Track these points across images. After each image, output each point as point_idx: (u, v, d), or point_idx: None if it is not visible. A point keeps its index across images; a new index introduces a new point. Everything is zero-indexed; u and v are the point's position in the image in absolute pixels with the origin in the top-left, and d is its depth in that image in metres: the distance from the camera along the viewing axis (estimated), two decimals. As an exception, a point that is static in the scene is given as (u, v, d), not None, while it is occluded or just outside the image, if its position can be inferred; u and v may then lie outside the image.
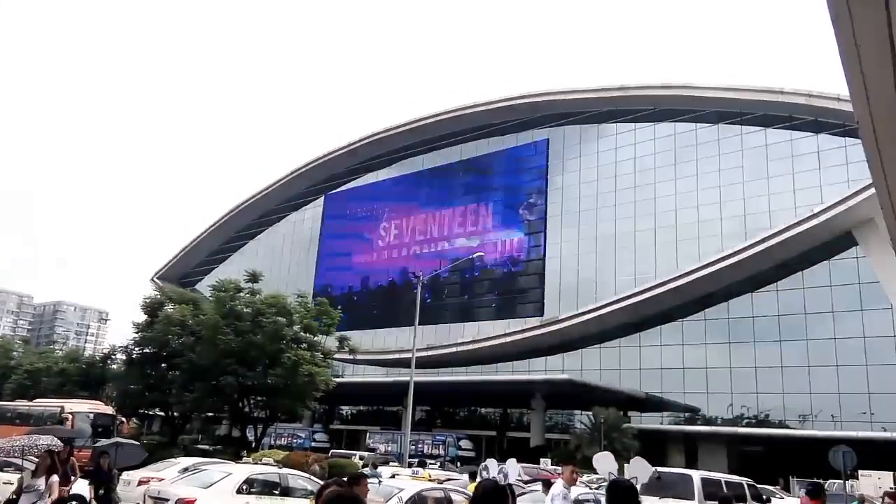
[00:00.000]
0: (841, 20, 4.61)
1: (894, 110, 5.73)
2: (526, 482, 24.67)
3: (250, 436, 36.24)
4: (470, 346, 56.63)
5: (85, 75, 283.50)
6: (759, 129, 49.97)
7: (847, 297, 43.99)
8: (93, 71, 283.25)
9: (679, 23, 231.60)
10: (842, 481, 25.96)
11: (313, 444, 51.92)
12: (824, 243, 45.00)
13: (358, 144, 73.61)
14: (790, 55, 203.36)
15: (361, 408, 66.08)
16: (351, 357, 40.75)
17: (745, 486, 20.43)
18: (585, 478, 24.46)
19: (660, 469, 21.18)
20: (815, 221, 43.57)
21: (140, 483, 17.21)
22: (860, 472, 34.59)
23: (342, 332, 37.23)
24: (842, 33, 4.77)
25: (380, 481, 14.35)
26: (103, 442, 20.57)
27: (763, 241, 45.12)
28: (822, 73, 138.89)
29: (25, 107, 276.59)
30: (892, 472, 34.41)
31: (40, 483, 10.62)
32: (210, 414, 36.90)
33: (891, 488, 33.14)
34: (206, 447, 36.04)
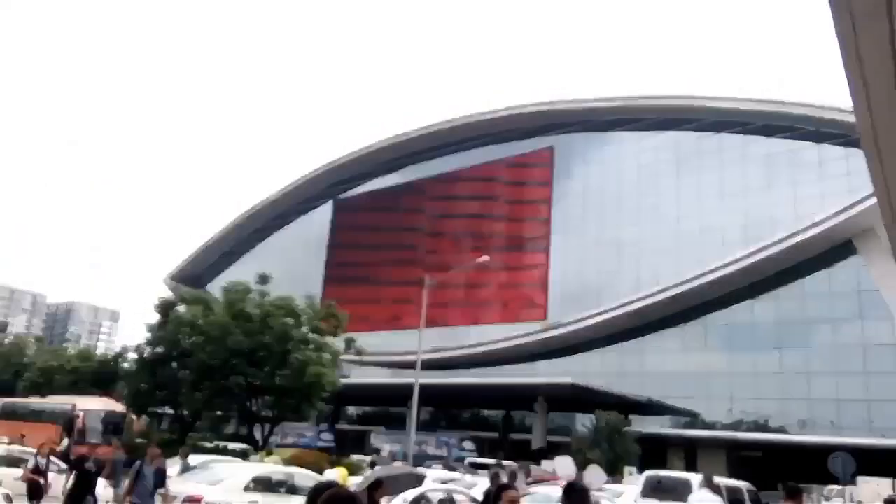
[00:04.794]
0: (845, 32, 4.74)
1: (896, 122, 5.89)
2: (528, 483, 25.28)
3: (258, 435, 36.92)
4: (475, 350, 57.19)
5: (98, 75, 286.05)
6: (761, 139, 50.35)
7: (847, 304, 44.36)
8: (107, 71, 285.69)
9: (683, 33, 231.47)
10: (840, 487, 26.43)
11: (319, 443, 52.53)
12: (825, 252, 45.32)
13: (366, 151, 74.20)
14: (793, 66, 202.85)
15: (367, 408, 66.60)
16: (358, 358, 41.37)
17: (745, 491, 20.82)
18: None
19: (660, 473, 21.70)
20: (816, 230, 43.93)
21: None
22: (859, 478, 34.98)
23: (349, 334, 37.79)
24: (846, 46, 4.90)
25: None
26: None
27: (764, 249, 45.50)
28: (824, 84, 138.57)
29: (37, 105, 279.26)
30: (891, 479, 34.76)
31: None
32: (218, 413, 37.55)
33: (890, 495, 33.55)
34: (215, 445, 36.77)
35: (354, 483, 15.21)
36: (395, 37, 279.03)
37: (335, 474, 19.35)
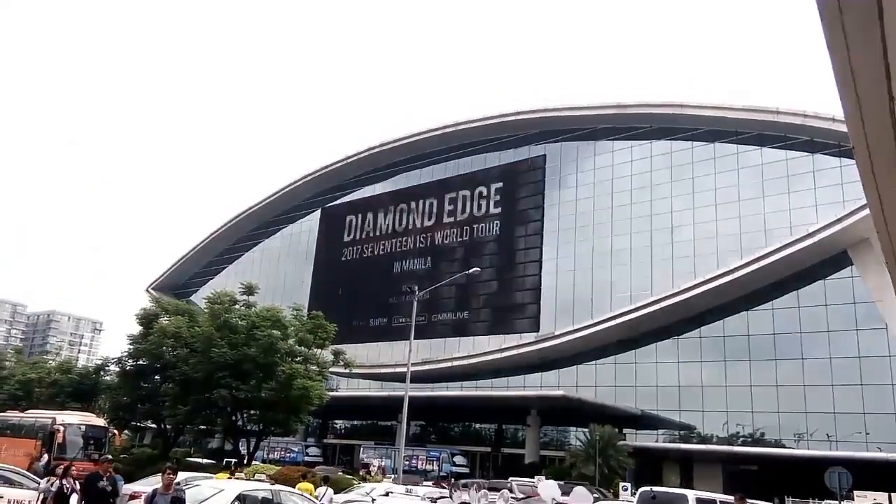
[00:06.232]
0: (836, 43, 4.61)
1: (889, 133, 5.73)
2: (520, 500, 24.60)
3: (243, 450, 36.07)
4: (465, 361, 56.47)
5: (80, 85, 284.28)
6: (754, 148, 50.16)
7: (842, 316, 44.01)
8: (88, 80, 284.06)
9: (677, 42, 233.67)
10: (837, 502, 25.94)
11: (306, 458, 51.61)
12: (819, 262, 45.04)
13: (355, 158, 73.72)
14: (786, 75, 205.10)
15: (356, 422, 65.71)
16: (346, 371, 40.62)
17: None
18: None
19: (655, 489, 21.13)
20: (810, 241, 43.64)
21: (132, 497, 17.13)
22: (856, 492, 34.51)
23: (337, 346, 37.11)
24: (837, 56, 4.78)
25: (373, 499, 14.26)
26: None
27: (758, 259, 45.16)
28: (817, 93, 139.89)
29: (19, 112, 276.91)
30: (887, 493, 34.27)
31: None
32: (203, 427, 36.64)
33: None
34: (199, 460, 35.78)
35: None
36: (386, 43, 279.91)
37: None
